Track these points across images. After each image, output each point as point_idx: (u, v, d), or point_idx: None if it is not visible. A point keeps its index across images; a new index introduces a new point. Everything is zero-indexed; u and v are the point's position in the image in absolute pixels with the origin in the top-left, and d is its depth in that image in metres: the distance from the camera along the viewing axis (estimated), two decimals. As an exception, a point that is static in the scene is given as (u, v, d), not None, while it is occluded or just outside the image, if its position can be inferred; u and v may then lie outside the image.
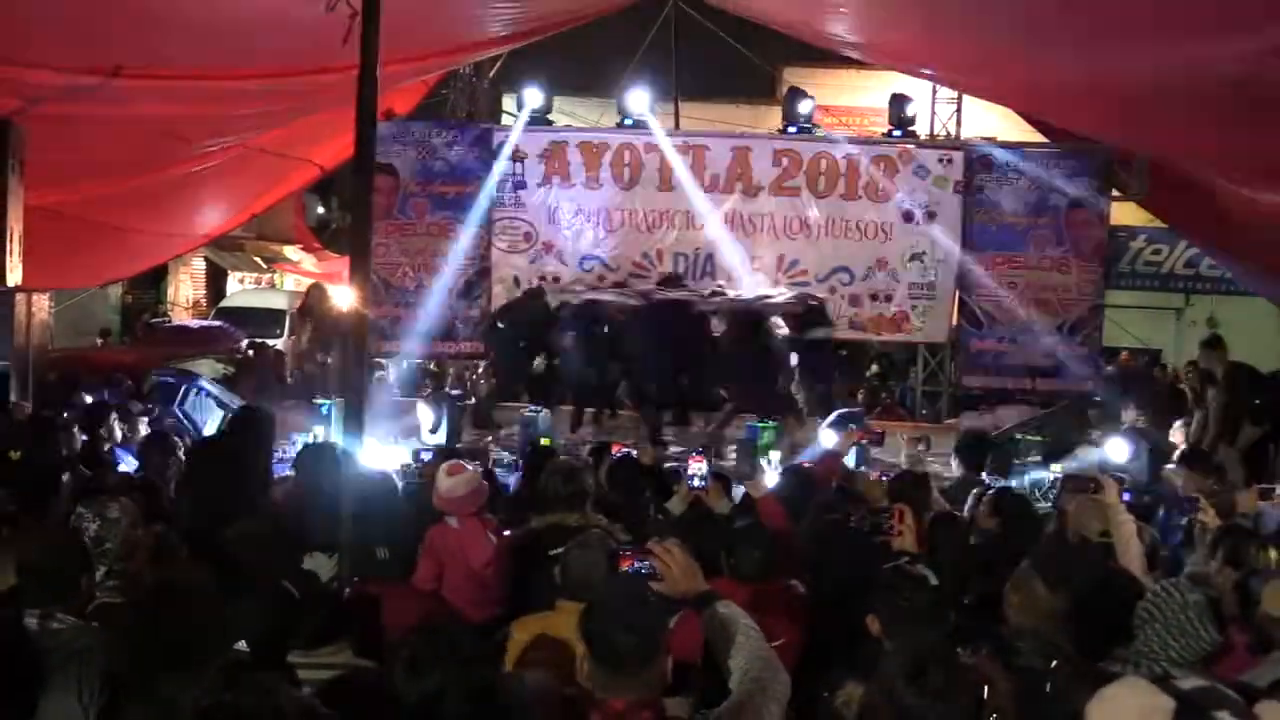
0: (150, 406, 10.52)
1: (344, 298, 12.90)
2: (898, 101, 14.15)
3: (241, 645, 3.58)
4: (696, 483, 6.36)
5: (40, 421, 8.48)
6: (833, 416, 10.57)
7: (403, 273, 13.92)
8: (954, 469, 8.73)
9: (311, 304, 15.48)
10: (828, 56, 14.55)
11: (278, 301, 20.82)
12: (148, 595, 3.27)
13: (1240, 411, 10.31)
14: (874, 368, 18.10)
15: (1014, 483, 8.58)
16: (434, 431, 10.60)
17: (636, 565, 3.52)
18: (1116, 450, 9.16)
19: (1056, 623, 4.11)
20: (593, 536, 4.47)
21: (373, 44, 5.50)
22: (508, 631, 4.28)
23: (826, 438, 9.35)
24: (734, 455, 10.53)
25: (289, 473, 7.22)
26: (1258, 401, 10.40)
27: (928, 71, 13.39)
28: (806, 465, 7.67)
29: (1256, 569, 5.14)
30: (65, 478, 6.68)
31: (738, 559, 4.90)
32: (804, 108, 14.16)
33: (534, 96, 13.96)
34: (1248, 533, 5.79)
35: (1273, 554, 5.55)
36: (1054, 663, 3.80)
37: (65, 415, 8.85)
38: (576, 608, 3.28)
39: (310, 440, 8.89)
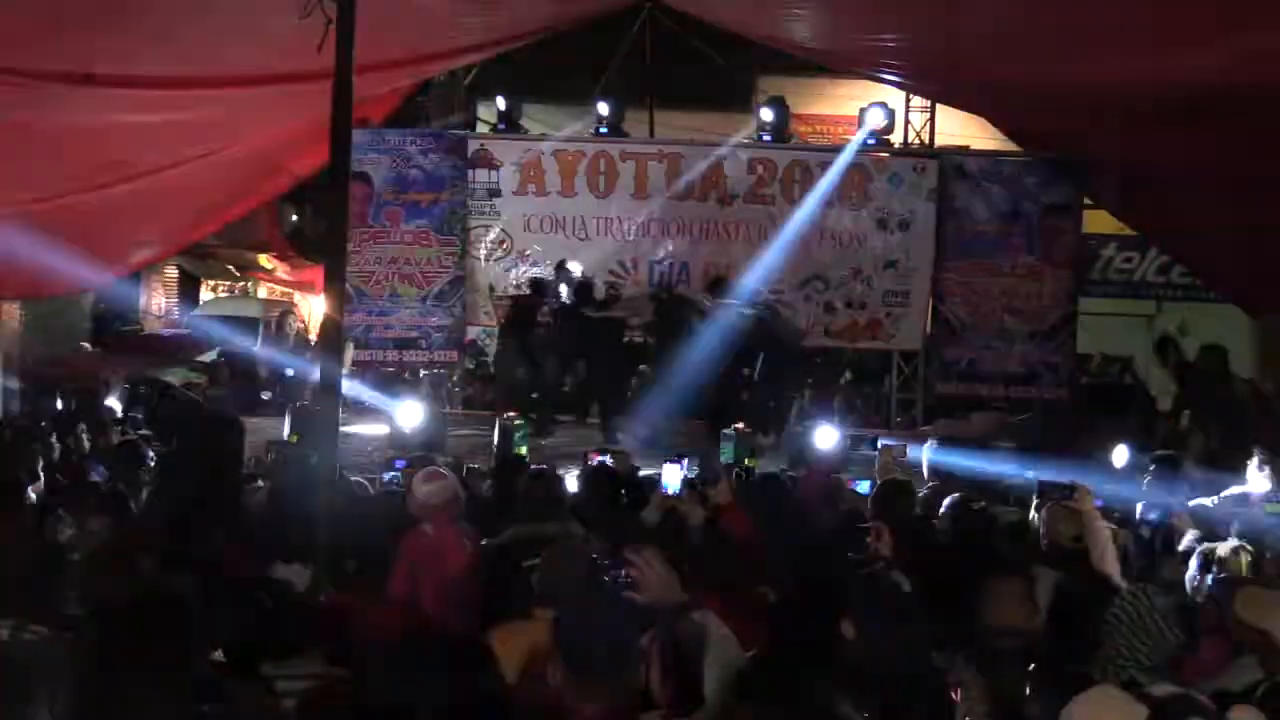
0: (120, 415, 10.44)
1: (315, 307, 12.87)
2: (872, 110, 14.21)
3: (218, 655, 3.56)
4: (670, 491, 6.33)
5: (13, 429, 8.42)
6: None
7: (377, 280, 13.90)
8: (926, 477, 8.78)
9: (274, 327, 15.34)
10: (802, 65, 14.60)
11: (251, 310, 20.67)
12: (121, 605, 3.24)
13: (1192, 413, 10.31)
14: (847, 375, 18.10)
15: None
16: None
17: (613, 574, 3.50)
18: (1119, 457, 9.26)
19: (1032, 624, 4.14)
20: (569, 545, 4.46)
21: (347, 52, 5.50)
22: (483, 640, 4.26)
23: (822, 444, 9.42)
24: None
25: (261, 482, 7.18)
26: (1205, 402, 10.35)
27: (891, 77, 13.44)
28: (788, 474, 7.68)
29: (1229, 573, 5.19)
30: (39, 485, 6.62)
31: (700, 565, 4.86)
32: (778, 116, 14.20)
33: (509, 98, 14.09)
34: (1218, 539, 5.84)
35: (1245, 558, 5.60)
36: (1030, 666, 3.82)
37: (42, 424, 8.79)
38: (552, 616, 3.28)
39: (283, 449, 8.84)
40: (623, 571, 3.45)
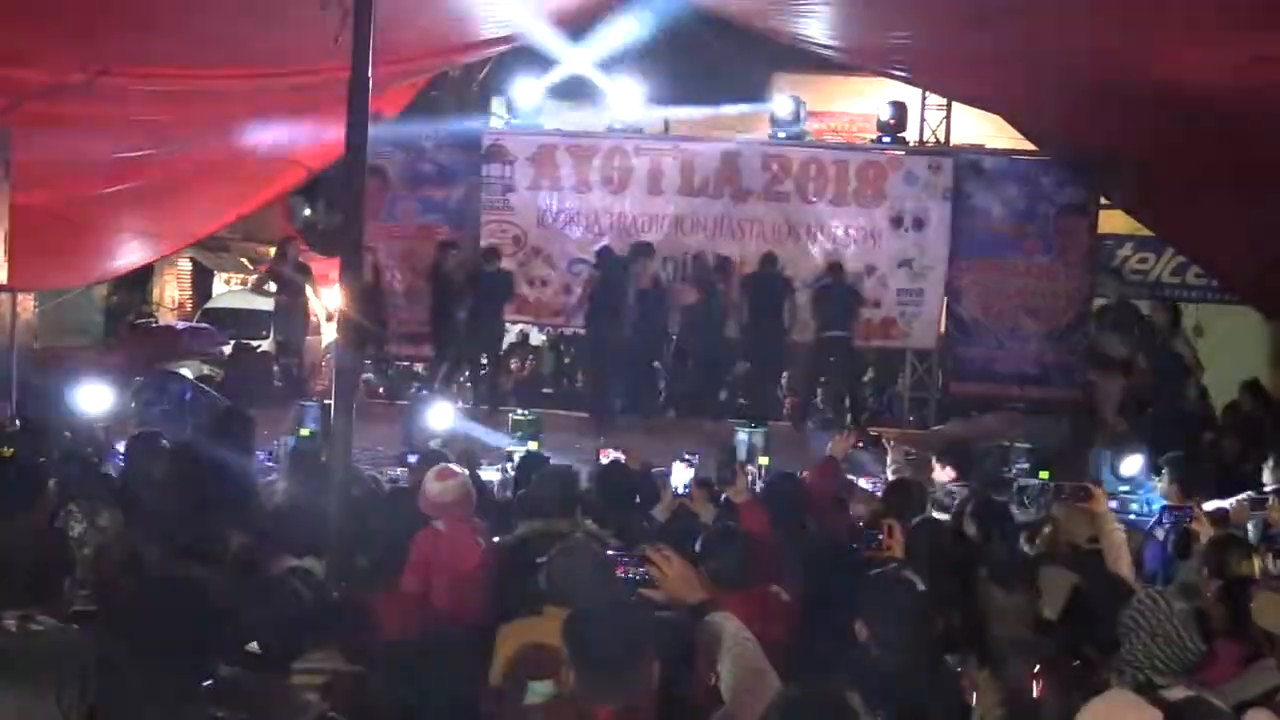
0: (134, 408, 10.44)
1: (331, 298, 12.86)
2: (888, 108, 14.17)
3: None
4: (680, 489, 6.29)
5: (30, 421, 8.45)
6: None
7: (391, 275, 13.90)
8: (939, 476, 8.72)
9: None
10: (818, 63, 14.53)
11: (264, 303, 20.66)
12: (132, 599, 3.23)
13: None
14: (870, 373, 18.01)
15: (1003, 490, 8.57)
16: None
17: (632, 573, 3.48)
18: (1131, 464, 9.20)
19: (1030, 628, 4.12)
20: (580, 542, 4.43)
21: (365, 44, 5.47)
22: (494, 637, 4.24)
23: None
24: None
25: (274, 476, 7.18)
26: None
27: (905, 74, 13.38)
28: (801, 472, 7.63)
29: (1242, 577, 5.14)
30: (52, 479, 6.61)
31: (714, 564, 4.82)
32: (794, 113, 14.17)
33: (524, 92, 14.09)
34: (1235, 541, 5.79)
35: (1257, 562, 5.56)
36: (1035, 668, 3.79)
37: (55, 417, 8.80)
38: (563, 614, 3.25)
39: (299, 444, 8.83)
40: (637, 569, 3.43)
